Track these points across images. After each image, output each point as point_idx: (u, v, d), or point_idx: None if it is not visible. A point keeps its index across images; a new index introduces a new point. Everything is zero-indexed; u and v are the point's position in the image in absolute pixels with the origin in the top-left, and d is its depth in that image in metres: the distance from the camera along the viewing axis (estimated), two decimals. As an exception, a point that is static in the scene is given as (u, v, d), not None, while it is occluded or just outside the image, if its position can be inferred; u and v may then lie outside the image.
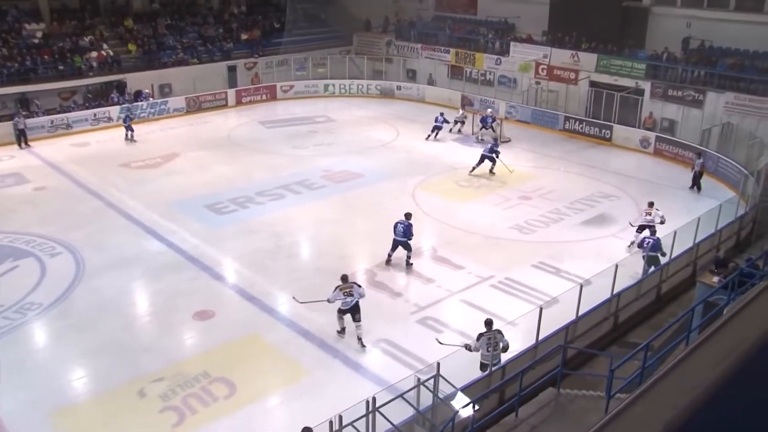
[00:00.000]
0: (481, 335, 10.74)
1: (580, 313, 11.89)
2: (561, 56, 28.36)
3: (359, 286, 12.41)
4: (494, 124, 25.58)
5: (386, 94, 33.09)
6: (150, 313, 13.61)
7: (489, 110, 26.47)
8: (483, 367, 10.65)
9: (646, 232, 15.12)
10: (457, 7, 34.90)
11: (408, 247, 15.32)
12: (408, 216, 15.61)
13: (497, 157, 21.56)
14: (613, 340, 12.55)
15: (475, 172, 21.44)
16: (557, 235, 17.16)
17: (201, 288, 14.38)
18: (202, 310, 13.46)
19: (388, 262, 15.41)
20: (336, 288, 12.29)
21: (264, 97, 32.08)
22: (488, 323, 10.86)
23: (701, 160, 20.65)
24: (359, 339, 12.24)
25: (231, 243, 16.57)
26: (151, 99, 28.92)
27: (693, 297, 12.77)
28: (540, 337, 11.10)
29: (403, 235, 15.25)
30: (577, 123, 26.81)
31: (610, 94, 26.11)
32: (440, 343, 11.14)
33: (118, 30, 31.07)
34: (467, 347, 10.76)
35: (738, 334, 3.18)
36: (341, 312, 12.35)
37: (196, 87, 29.95)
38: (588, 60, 27.47)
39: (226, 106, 30.85)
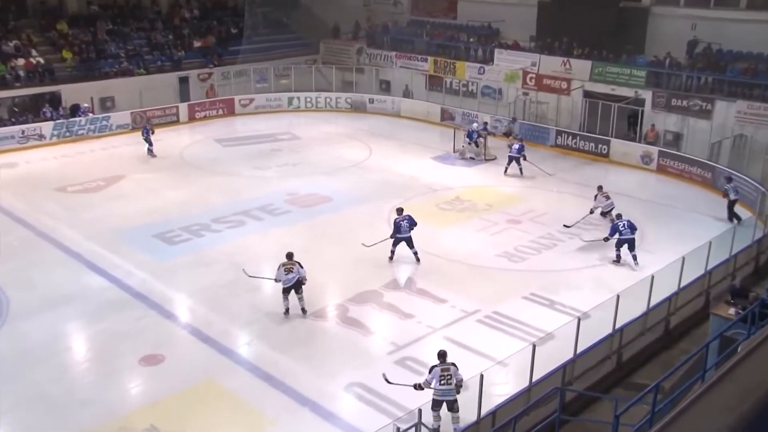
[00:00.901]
0: (433, 368, 10.88)
1: (578, 351, 11.89)
2: (551, 64, 28.79)
3: (302, 267, 14.60)
4: (479, 140, 25.89)
5: (357, 108, 33.34)
6: (88, 359, 13.40)
7: (475, 123, 26.78)
8: (435, 404, 10.77)
9: (613, 218, 16.93)
10: (435, 10, 35.49)
11: (411, 243, 17.01)
12: (400, 210, 17.43)
13: (525, 159, 23.21)
14: (617, 381, 12.55)
15: (509, 172, 23.66)
16: (551, 263, 17.26)
17: (149, 329, 14.25)
18: (150, 354, 13.28)
19: (391, 258, 17.21)
20: (280, 265, 14.52)
21: (220, 111, 32.23)
22: (441, 355, 11.05)
23: (733, 184, 19.66)
24: (303, 310, 14.54)
25: (184, 276, 16.49)
26: (90, 114, 28.87)
27: (707, 331, 12.83)
28: (534, 379, 11.05)
29: (410, 228, 17.03)
30: (571, 138, 27.16)
31: (607, 105, 26.45)
32: (387, 381, 11.23)
33: (50, 35, 30.91)
34: (417, 387, 10.92)
35: (758, 373, 3.16)
36: (285, 291, 14.52)
37: (142, 100, 29.96)
38: (581, 68, 27.89)
39: (177, 122, 30.92)
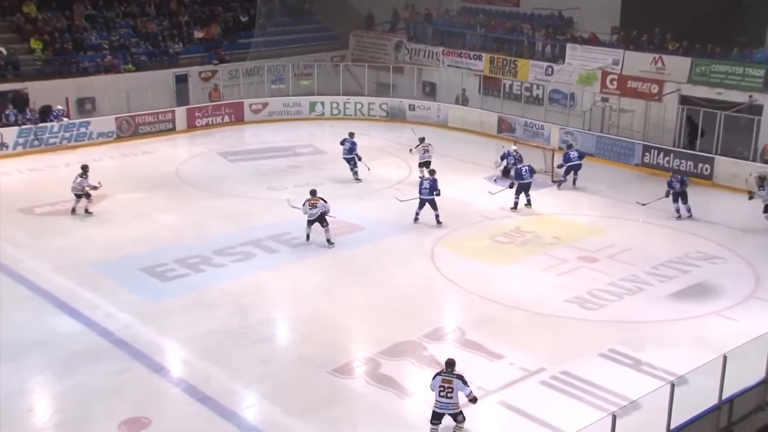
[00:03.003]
0: (436, 375, 12.09)
1: (672, 426, 11.65)
2: (638, 62, 28.68)
3: (325, 202, 19.98)
4: (517, 166, 25.18)
5: (395, 117, 33.54)
6: (56, 423, 13.26)
7: (514, 147, 26.16)
8: (435, 417, 11.92)
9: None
10: (492, -4, 35.63)
11: (435, 205, 21.35)
12: (432, 172, 21.99)
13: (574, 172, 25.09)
14: (725, 466, 12.34)
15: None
16: (636, 312, 17.07)
17: (132, 385, 14.22)
18: (133, 417, 13.18)
19: (416, 220, 21.67)
20: (305, 201, 19.95)
21: (226, 118, 32.51)
22: (449, 364, 12.23)
23: None
24: (328, 241, 20.10)
25: (177, 321, 16.52)
26: (65, 119, 29.19)
27: None
28: (615, 459, 10.91)
29: (430, 192, 21.22)
30: (662, 155, 26.92)
31: (711, 114, 26.08)
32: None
33: (14, 19, 31.12)
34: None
35: None
36: (309, 223, 20.11)
37: (130, 103, 30.24)
38: (678, 66, 27.65)
39: (173, 130, 31.14)
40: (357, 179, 25.65)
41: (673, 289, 18.10)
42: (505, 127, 30.70)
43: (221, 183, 25.65)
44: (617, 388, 13.94)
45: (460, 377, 12.06)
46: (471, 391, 12.06)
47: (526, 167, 23.39)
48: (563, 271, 19.07)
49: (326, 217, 20.01)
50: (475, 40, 33.82)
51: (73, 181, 22.37)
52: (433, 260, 19.58)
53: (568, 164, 25.12)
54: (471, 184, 25.65)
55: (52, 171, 26.52)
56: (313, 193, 20.28)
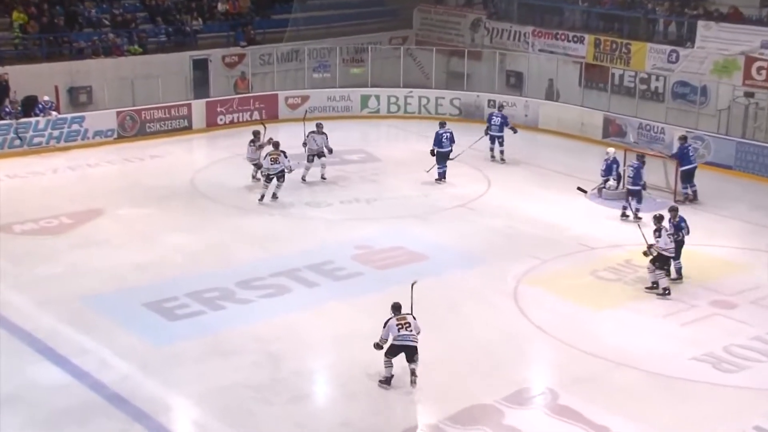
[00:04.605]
0: (387, 321, 15.62)
1: None
2: (797, 45, 28.35)
3: (287, 158, 25.25)
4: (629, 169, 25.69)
5: (470, 115, 33.74)
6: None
7: (611, 149, 26.52)
8: (392, 350, 15.64)
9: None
10: (599, -37, 35.57)
11: (502, 142, 28.52)
12: (502, 107, 28.67)
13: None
14: None
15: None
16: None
17: (130, 453, 14.20)
18: (131, 492, 13.24)
19: (492, 158, 28.99)
20: (266, 154, 25.05)
21: (256, 115, 32.77)
22: (395, 308, 15.78)
23: None
24: (273, 195, 25.15)
25: (189, 371, 16.56)
26: (54, 113, 29.59)
27: None
28: None
29: (500, 127, 27.96)
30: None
31: None
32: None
33: (-11, -13, 31.70)
34: (376, 346, 15.75)
35: None
36: (267, 178, 25.17)
37: (135, 95, 30.66)
38: None
39: (189, 129, 31.59)
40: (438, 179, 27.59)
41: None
42: (613, 130, 30.74)
43: (248, 197, 25.79)
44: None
45: (411, 315, 15.73)
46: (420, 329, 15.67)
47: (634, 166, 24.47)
48: (690, 319, 18.85)
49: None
50: (576, 17, 34.01)
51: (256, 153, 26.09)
52: (518, 301, 19.54)
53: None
54: (567, 203, 25.64)
55: (36, 178, 26.84)
56: (276, 145, 24.94)
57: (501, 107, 30.62)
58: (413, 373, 15.70)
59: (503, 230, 23.58)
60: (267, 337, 17.80)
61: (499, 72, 34.81)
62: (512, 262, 21.44)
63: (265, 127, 27.48)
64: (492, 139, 29.62)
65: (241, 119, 32.78)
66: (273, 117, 33.12)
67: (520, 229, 23.54)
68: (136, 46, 32.41)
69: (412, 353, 15.60)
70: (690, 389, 16.32)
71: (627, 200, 24.43)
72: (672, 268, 20.18)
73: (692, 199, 25.56)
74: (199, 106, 32.11)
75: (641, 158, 24.88)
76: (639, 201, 24.26)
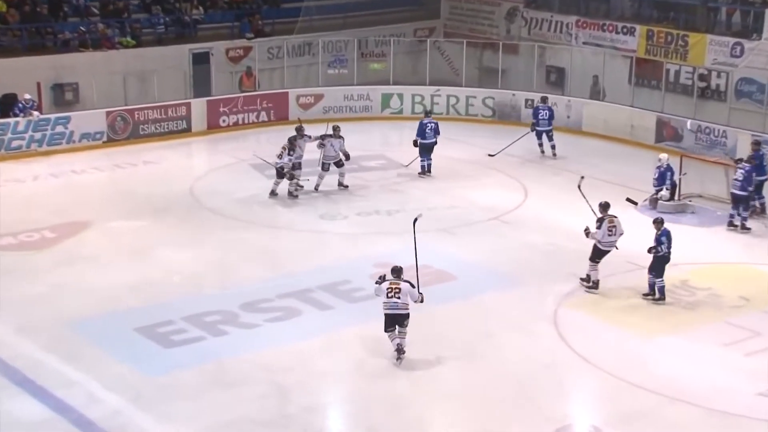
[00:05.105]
0: (382, 281, 17.28)
1: None
2: None
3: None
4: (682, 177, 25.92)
5: (504, 116, 33.78)
6: None
7: (664, 154, 26.42)
8: (390, 322, 17.17)
9: None
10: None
11: (552, 136, 30.34)
12: (545, 99, 30.62)
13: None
14: None
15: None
16: None
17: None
18: None
19: (542, 152, 30.35)
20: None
21: (263, 116, 33.00)
22: (395, 270, 17.38)
23: None
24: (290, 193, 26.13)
25: (187, 405, 16.43)
26: (36, 113, 29.50)
27: None
28: None
29: (549, 121, 29.78)
30: None
31: None
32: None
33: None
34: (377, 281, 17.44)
35: None
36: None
37: (128, 93, 30.75)
38: None
39: (187, 132, 31.62)
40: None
41: None
42: (668, 134, 30.60)
43: (255, 208, 25.87)
44: None
45: (409, 282, 17.16)
46: (420, 294, 17.25)
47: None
48: (755, 348, 18.44)
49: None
50: (625, 5, 34.02)
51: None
52: (558, 326, 19.28)
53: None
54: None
55: (15, 187, 26.75)
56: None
57: (545, 99, 31.19)
58: (400, 346, 17.25)
59: (542, 246, 23.36)
60: (275, 367, 17.57)
61: (538, 67, 34.93)
62: (552, 282, 21.20)
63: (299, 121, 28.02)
64: (539, 135, 30.27)
65: (246, 120, 32.70)
66: (282, 118, 33.24)
67: (560, 245, 23.19)
68: (128, 38, 32.55)
69: (402, 320, 17.23)
70: (756, 428, 15.99)
71: (736, 208, 24.36)
72: (656, 287, 20.32)
73: (761, 212, 25.53)
74: (199, 106, 32.16)
75: (756, 157, 24.97)
76: (746, 209, 24.39)
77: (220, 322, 19.10)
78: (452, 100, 33.86)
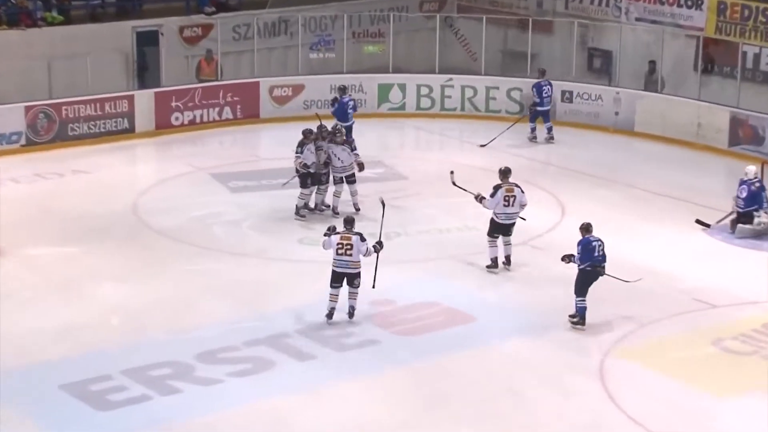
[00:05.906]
0: (333, 233, 18.98)
1: None
2: None
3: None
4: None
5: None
6: None
7: (752, 166, 25.72)
8: (336, 278, 18.91)
9: None
10: None
11: (550, 116, 31.78)
12: (544, 72, 31.96)
13: None
14: None
15: None
16: None
17: None
18: None
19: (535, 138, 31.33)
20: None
21: (228, 113, 32.95)
22: (347, 221, 19.11)
23: None
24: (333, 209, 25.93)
25: None
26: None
27: None
28: None
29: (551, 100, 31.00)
30: None
31: None
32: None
33: None
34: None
35: None
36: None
37: (53, 84, 30.70)
38: None
39: (130, 132, 31.53)
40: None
41: None
42: (745, 135, 29.82)
43: (215, 230, 25.37)
44: None
45: (359, 234, 18.89)
46: (368, 247, 18.95)
47: None
48: None
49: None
50: None
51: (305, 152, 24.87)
52: (605, 382, 18.43)
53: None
54: (680, 242, 24.90)
55: None
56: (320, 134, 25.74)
57: (544, 72, 32.07)
58: (352, 307, 19.37)
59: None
60: (241, 433, 17.25)
61: (579, 50, 35.26)
62: (596, 326, 20.23)
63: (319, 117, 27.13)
64: (534, 116, 31.35)
65: (205, 118, 32.66)
66: (252, 115, 33.21)
67: (606, 278, 21.75)
68: (54, 13, 32.11)
69: (352, 279, 19.12)
70: None
71: None
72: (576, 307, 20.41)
73: None
74: (145, 100, 31.98)
75: None
76: None
77: (170, 376, 18.25)
78: (468, 92, 33.56)
